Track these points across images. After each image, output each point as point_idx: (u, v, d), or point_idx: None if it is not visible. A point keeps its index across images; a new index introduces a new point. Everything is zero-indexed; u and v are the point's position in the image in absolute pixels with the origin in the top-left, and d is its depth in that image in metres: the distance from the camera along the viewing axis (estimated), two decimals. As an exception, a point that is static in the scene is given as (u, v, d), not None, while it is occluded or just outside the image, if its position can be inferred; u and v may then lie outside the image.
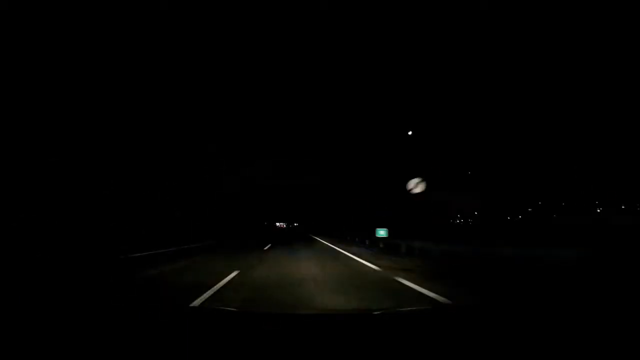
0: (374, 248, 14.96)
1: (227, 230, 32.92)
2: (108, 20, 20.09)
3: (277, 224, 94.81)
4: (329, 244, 18.94)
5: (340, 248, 15.15)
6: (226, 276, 6.26)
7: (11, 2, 15.66)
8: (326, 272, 7.00)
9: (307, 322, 1.78)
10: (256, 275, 6.63)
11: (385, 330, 1.54)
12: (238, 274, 6.66)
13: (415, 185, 15.62)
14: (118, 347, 1.30)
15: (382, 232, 16.21)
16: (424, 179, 14.98)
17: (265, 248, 15.29)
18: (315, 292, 4.87)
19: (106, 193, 19.42)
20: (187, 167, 29.49)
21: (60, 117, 17.20)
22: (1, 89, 14.86)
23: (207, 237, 22.48)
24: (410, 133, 24.87)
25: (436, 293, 4.56)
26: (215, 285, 5.35)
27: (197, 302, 4.19)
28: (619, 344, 1.24)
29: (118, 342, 1.35)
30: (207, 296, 4.57)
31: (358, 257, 10.55)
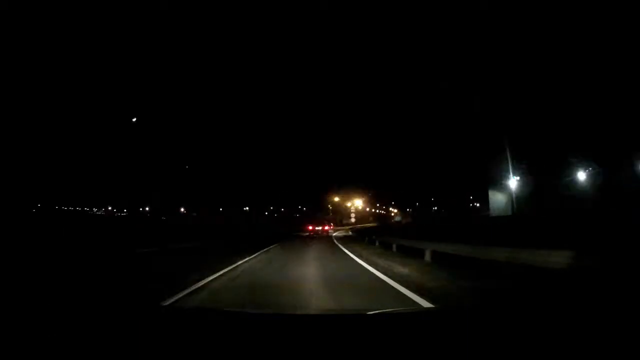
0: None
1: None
2: (108, 20, 20.06)
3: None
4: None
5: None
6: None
7: (12, 1, 15.67)
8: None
9: (298, 323, 1.74)
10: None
11: (378, 331, 1.52)
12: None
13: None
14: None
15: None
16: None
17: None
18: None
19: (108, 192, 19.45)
20: (191, 166, 29.38)
21: (66, 118, 17.27)
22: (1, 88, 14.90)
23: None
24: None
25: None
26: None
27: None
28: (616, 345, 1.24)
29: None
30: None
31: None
